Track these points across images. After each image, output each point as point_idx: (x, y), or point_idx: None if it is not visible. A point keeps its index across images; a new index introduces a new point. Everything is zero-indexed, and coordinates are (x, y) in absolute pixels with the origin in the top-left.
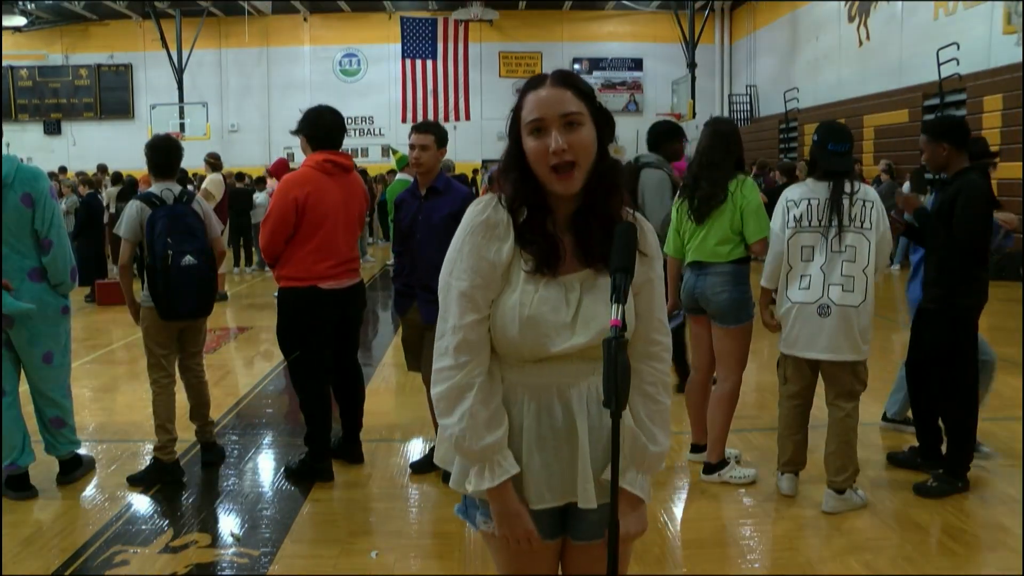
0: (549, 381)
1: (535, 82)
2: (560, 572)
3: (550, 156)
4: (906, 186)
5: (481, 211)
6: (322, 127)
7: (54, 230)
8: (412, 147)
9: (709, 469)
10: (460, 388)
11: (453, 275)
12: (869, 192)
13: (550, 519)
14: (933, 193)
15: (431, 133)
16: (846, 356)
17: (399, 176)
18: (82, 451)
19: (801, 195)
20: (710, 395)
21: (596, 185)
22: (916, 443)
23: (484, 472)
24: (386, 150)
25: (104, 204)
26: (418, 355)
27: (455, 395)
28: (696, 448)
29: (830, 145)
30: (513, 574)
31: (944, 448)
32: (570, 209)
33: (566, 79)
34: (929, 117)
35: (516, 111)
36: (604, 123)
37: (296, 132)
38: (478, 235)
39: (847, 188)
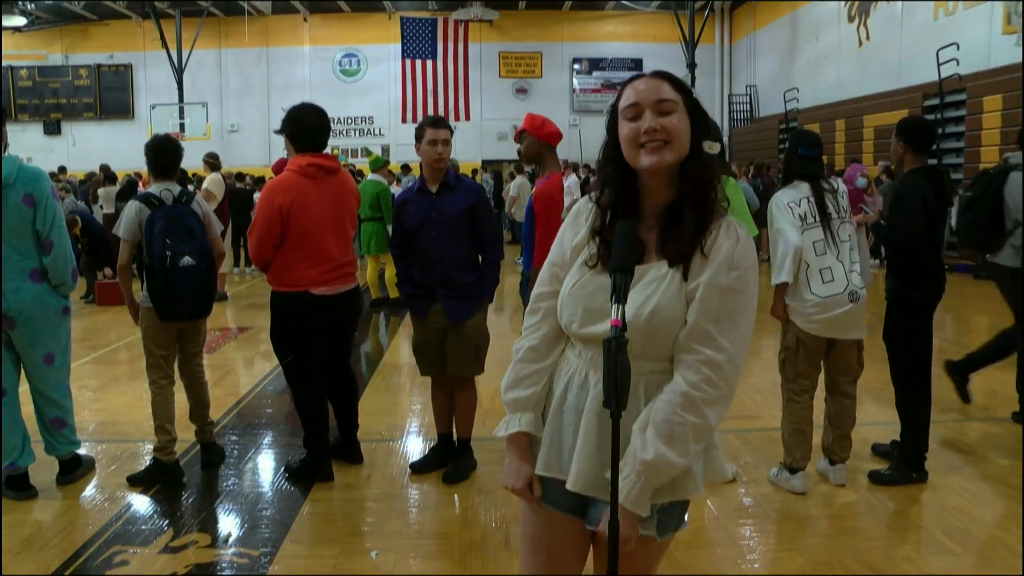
0: (584, 362)
1: (633, 77)
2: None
3: (641, 136)
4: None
5: (580, 200)
6: (303, 127)
7: (55, 230)
8: (434, 142)
9: None
10: (519, 346)
11: (552, 251)
12: (840, 185)
13: (567, 492)
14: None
15: (447, 128)
16: (862, 333)
17: (371, 177)
18: (82, 451)
19: (798, 196)
20: None
21: (687, 180)
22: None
23: (507, 422)
24: (364, 150)
25: (99, 204)
26: (434, 359)
27: (516, 350)
28: None
29: (800, 150)
30: (530, 546)
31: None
32: (661, 200)
33: (663, 73)
34: (929, 118)
35: (614, 106)
36: (699, 117)
37: (279, 131)
38: (569, 220)
39: (825, 185)
